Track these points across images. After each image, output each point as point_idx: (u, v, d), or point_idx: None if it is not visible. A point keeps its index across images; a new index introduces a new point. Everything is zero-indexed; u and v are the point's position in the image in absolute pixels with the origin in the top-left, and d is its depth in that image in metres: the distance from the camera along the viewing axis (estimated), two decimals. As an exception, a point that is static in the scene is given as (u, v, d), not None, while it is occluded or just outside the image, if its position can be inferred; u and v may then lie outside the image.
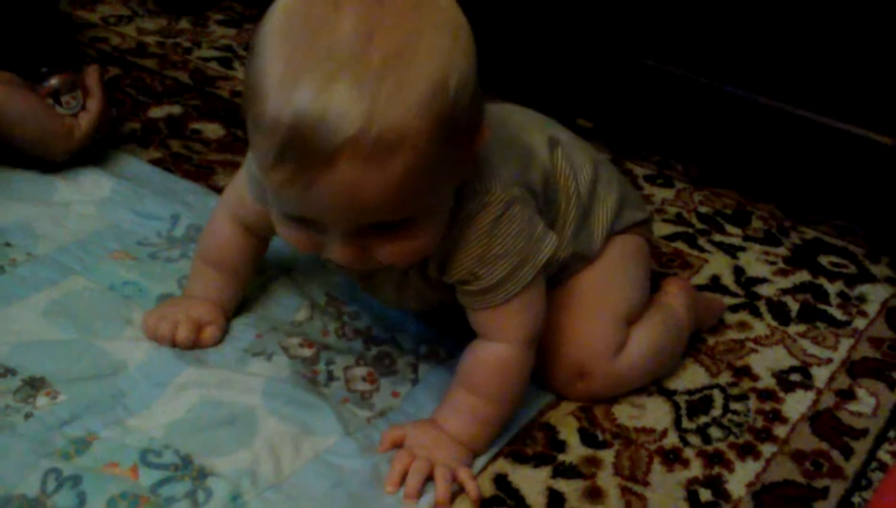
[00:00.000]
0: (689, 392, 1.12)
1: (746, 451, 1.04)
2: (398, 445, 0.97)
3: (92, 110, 1.29)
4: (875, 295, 1.32)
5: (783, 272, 1.36)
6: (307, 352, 1.07)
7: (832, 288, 1.33)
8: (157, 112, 1.51)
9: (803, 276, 1.36)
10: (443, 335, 1.11)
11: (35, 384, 0.98)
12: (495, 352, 0.96)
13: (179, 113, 1.52)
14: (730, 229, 1.44)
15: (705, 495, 0.99)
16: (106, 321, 1.07)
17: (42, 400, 0.96)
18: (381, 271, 1.00)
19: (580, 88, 1.54)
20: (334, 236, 0.85)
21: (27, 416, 0.94)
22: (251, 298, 1.13)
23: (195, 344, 1.05)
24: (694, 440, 1.05)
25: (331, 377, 1.05)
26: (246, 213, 1.05)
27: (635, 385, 1.09)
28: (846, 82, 1.36)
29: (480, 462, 0.98)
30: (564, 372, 1.04)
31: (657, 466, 1.02)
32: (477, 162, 0.90)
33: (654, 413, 1.08)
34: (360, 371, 1.06)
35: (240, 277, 1.09)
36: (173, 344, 1.04)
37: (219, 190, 1.30)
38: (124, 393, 0.98)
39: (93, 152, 1.33)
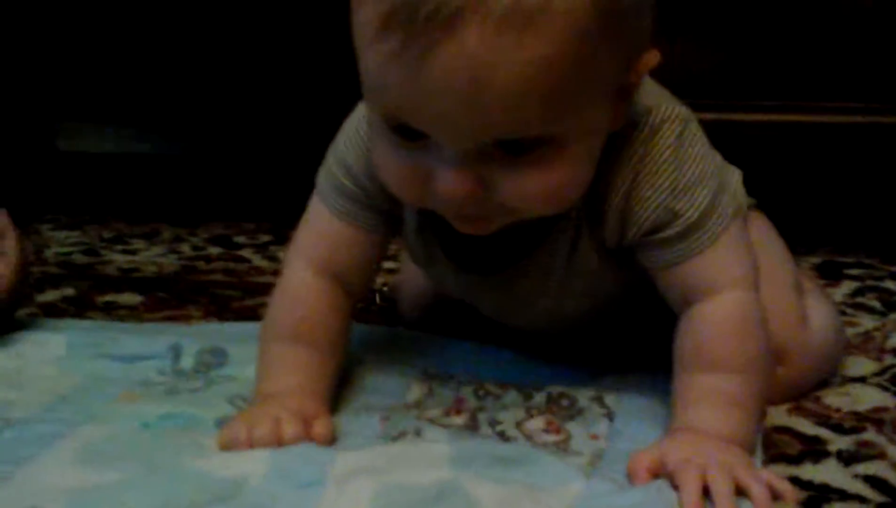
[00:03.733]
0: (876, 375, 0.92)
1: None
2: (657, 473, 0.70)
3: (8, 251, 0.97)
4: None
5: (828, 286, 1.21)
6: (459, 420, 0.79)
7: (892, 284, 1.20)
8: (49, 296, 1.19)
9: (852, 284, 1.22)
10: (596, 370, 0.87)
11: (140, 524, 0.63)
12: (727, 306, 0.74)
13: (76, 293, 1.20)
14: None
15: None
16: (170, 452, 0.74)
17: (162, 540, 0.62)
18: (532, 271, 0.78)
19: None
20: (447, 158, 0.64)
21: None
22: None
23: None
24: (935, 405, 0.85)
25: (504, 437, 0.77)
26: (334, 249, 0.81)
27: (829, 366, 0.91)
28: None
29: (757, 464, 0.73)
30: None
31: (932, 432, 0.80)
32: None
33: (867, 396, 0.89)
34: (538, 423, 0.79)
35: (335, 350, 0.81)
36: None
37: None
38: (270, 506, 0.65)
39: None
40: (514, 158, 0.65)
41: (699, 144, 0.75)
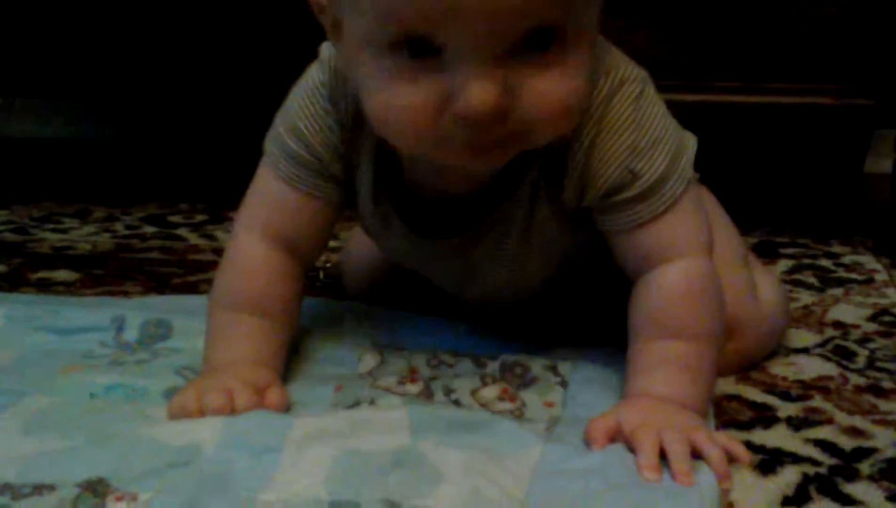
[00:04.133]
0: (818, 346, 0.94)
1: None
2: (614, 437, 0.70)
3: None
4: (861, 259, 1.25)
5: (766, 264, 1.22)
6: (414, 388, 0.78)
7: (827, 263, 1.22)
8: (-22, 272, 1.15)
9: (789, 262, 1.24)
10: (550, 340, 0.87)
11: (96, 489, 0.62)
12: (682, 272, 0.74)
13: (7, 270, 1.17)
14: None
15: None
16: (120, 420, 0.72)
17: (118, 506, 0.60)
18: (490, 235, 0.78)
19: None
20: (468, 70, 0.62)
21: (119, 517, 0.58)
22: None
23: None
24: (879, 376, 0.88)
25: (459, 405, 0.77)
26: (286, 217, 0.79)
27: (777, 338, 0.91)
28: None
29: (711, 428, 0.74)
30: None
31: (875, 399, 0.82)
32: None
33: (811, 366, 0.90)
34: (492, 391, 0.79)
35: (287, 320, 0.80)
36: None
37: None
38: (226, 473, 0.65)
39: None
40: (536, 58, 0.63)
41: (658, 106, 0.75)
